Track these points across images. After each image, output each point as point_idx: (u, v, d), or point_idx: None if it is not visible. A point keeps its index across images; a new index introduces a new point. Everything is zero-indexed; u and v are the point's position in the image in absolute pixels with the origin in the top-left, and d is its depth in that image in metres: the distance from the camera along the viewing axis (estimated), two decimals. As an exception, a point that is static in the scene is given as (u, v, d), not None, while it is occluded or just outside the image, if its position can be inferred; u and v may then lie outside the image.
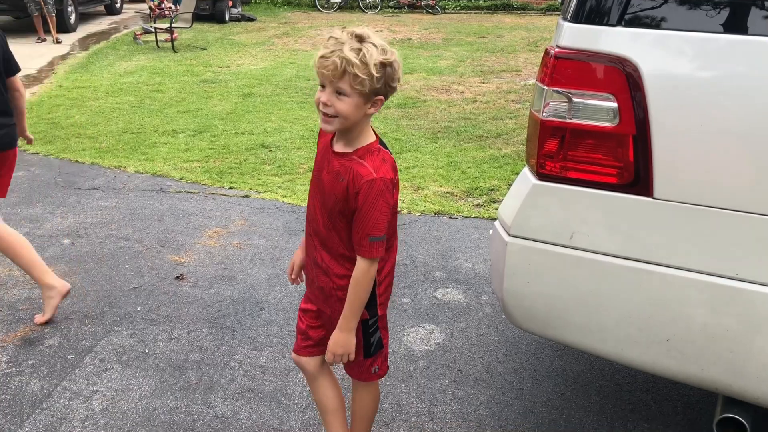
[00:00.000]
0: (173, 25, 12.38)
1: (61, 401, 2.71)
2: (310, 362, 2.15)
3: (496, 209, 4.82)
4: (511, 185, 2.27)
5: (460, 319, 3.41)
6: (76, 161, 5.95)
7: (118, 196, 5.08)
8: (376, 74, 1.69)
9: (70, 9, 13.93)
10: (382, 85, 1.73)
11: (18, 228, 4.42)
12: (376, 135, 1.88)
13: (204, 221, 4.64)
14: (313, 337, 2.12)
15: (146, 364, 2.97)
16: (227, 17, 16.13)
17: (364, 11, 19.04)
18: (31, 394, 2.75)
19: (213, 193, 5.20)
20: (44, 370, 2.91)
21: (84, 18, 15.45)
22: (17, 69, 3.37)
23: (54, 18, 12.76)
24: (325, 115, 1.78)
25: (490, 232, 2.29)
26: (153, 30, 12.62)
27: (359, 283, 1.87)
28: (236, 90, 9.07)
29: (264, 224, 4.60)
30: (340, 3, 19.30)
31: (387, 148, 1.88)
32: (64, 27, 13.38)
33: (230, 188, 5.32)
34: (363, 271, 1.86)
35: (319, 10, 19.13)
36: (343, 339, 1.92)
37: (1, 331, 3.21)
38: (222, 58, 11.55)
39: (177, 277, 3.80)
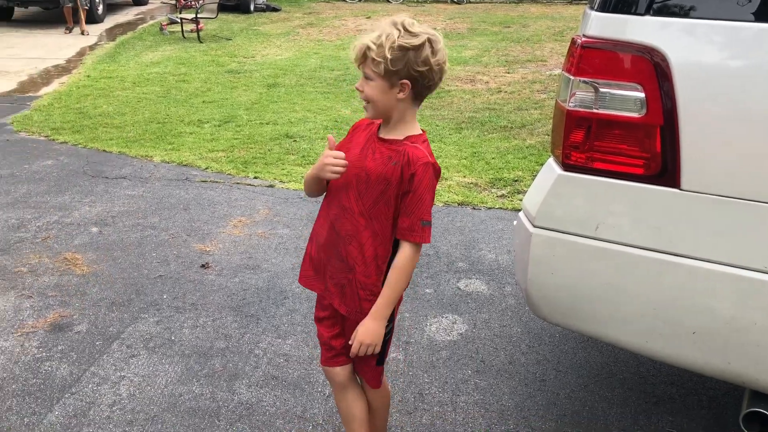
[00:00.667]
0: (199, 15, 12.45)
1: (90, 386, 2.76)
2: (341, 373, 2.08)
3: (520, 200, 4.80)
4: (535, 176, 2.26)
5: (483, 310, 3.41)
6: (104, 150, 6.03)
7: (144, 186, 5.15)
8: (389, 56, 1.69)
9: (98, 0, 14.07)
10: (402, 67, 1.72)
11: (47, 216, 4.50)
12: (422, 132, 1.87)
13: (229, 210, 4.68)
14: (336, 347, 2.05)
15: (172, 351, 3.02)
16: (252, 7, 16.19)
17: (388, 1, 18.97)
18: (61, 378, 2.81)
19: (238, 183, 5.24)
20: (73, 356, 2.97)
21: (111, 8, 15.61)
22: None
23: (86, 9, 12.90)
24: (364, 101, 1.82)
25: (515, 222, 2.28)
26: (179, 20, 12.72)
27: (404, 270, 1.83)
28: (261, 80, 9.12)
29: (288, 214, 4.63)
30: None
31: None
32: (92, 18, 13.53)
33: (255, 178, 5.35)
34: (409, 257, 1.82)
35: (343, 0, 19.11)
36: (374, 327, 1.86)
37: (31, 317, 3.28)
38: (247, 49, 11.60)
39: (202, 266, 3.84)
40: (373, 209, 1.83)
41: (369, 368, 2.07)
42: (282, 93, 8.41)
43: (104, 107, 7.58)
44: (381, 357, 2.03)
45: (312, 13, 16.38)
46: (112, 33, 13.19)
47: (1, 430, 2.49)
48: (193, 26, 12.43)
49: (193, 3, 13.94)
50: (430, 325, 3.27)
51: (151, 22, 14.60)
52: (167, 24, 13.24)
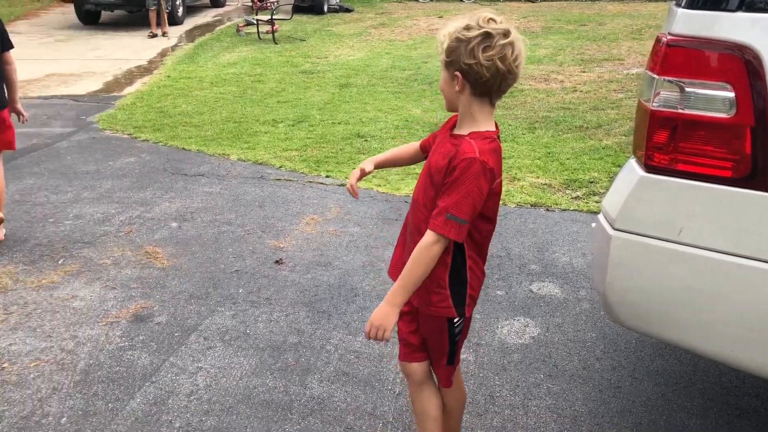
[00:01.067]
0: (274, 17, 12.71)
1: (169, 376, 2.86)
2: (418, 369, 2.09)
3: (596, 202, 4.68)
4: (612, 178, 2.20)
5: (556, 314, 3.35)
6: (183, 149, 6.23)
7: (221, 183, 5.29)
8: (445, 47, 1.73)
9: (178, 2, 14.56)
10: (455, 59, 1.72)
11: (130, 211, 4.69)
12: (497, 128, 1.84)
13: (302, 208, 4.76)
14: (413, 343, 2.07)
15: (247, 344, 3.10)
16: (326, 8, 16.41)
17: (461, 0, 18.86)
18: (142, 367, 2.92)
19: (310, 181, 5.32)
20: (153, 346, 3.09)
21: (191, 11, 16.12)
22: (11, 46, 4.09)
23: (167, 12, 13.36)
24: None
25: (593, 225, 2.23)
26: (255, 22, 13.01)
27: (415, 259, 1.78)
28: (333, 80, 9.23)
29: (359, 212, 4.67)
30: (437, -8, 19.20)
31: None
32: (172, 20, 14.01)
33: (327, 177, 5.42)
34: (426, 244, 1.77)
35: (415, 0, 19.12)
36: (381, 311, 1.82)
37: (115, 307, 3.42)
38: (320, 49, 11.76)
39: (276, 262, 3.92)
40: (433, 202, 1.82)
41: (440, 367, 2.08)
42: (354, 93, 8.49)
43: (183, 107, 7.84)
44: (451, 356, 2.04)
45: (384, 14, 16.46)
46: (191, 34, 13.62)
47: (88, 414, 2.61)
48: (268, 27, 12.70)
49: (268, 5, 14.24)
50: (502, 327, 3.24)
51: (228, 23, 15.00)
52: (244, 26, 13.57)
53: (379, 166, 2.18)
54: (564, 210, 4.65)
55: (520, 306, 3.42)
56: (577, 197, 4.88)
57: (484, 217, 1.85)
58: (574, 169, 5.39)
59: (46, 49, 11.90)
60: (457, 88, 1.76)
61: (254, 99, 8.18)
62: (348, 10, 16.88)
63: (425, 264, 1.79)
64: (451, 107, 1.84)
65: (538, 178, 5.26)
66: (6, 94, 4.11)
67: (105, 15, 15.25)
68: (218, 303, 3.47)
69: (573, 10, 16.31)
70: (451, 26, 1.74)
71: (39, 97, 8.50)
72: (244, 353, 3.03)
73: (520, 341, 3.12)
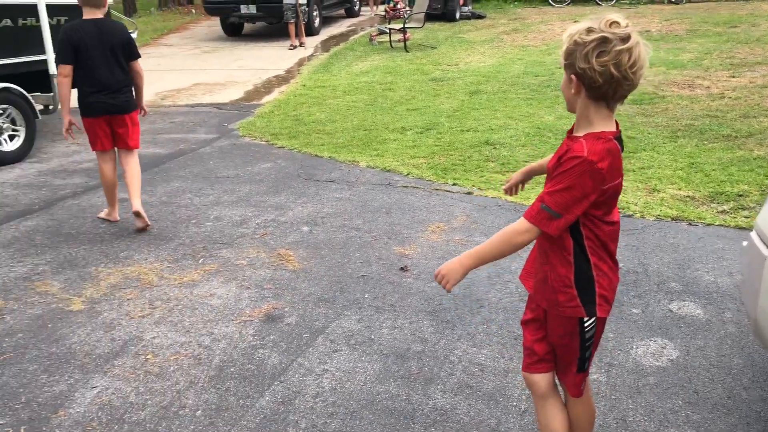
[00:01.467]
0: (406, 25, 12.86)
1: (296, 376, 2.94)
2: (542, 380, 2.05)
3: (745, 217, 4.33)
4: (765, 192, 2.01)
5: (697, 336, 3.12)
6: (316, 155, 6.43)
7: (351, 189, 5.40)
8: (564, 49, 1.74)
9: (315, 14, 15.11)
10: (571, 62, 1.71)
11: (265, 214, 4.90)
12: (617, 129, 1.78)
13: (428, 216, 4.76)
14: (538, 352, 2.04)
15: (371, 350, 3.12)
16: (457, 15, 16.40)
17: (598, 3, 18.22)
18: (272, 366, 3.02)
19: (437, 189, 5.31)
20: (283, 346, 3.19)
21: (326, 21, 16.67)
22: (138, 55, 4.70)
23: (304, 23, 13.89)
24: None
25: (744, 243, 2.05)
26: (387, 31, 13.23)
27: (500, 235, 1.81)
28: (463, 87, 9.19)
29: (486, 222, 4.60)
30: (573, -4, 18.65)
31: (621, 145, 1.78)
32: (309, 31, 14.55)
33: (454, 185, 5.39)
34: (514, 230, 1.79)
35: (550, 4, 18.69)
36: (452, 264, 1.86)
37: (248, 307, 3.57)
38: (451, 56, 11.76)
39: (401, 269, 3.94)
40: None
41: (570, 374, 2.01)
42: (483, 100, 8.40)
43: (317, 114, 8.10)
44: (582, 362, 1.97)
45: (517, 19, 16.20)
46: (326, 44, 14.07)
47: (221, 409, 2.74)
48: (400, 36, 12.86)
49: (401, 14, 14.44)
50: (637, 348, 3.05)
51: (362, 33, 15.36)
52: (377, 35, 13.84)
53: (528, 174, 2.29)
54: (708, 225, 4.34)
55: (657, 326, 3.22)
56: (723, 211, 4.53)
57: (599, 216, 1.80)
58: (721, 181, 5.01)
59: (194, 59, 12.73)
60: (573, 90, 1.75)
61: (384, 107, 8.30)
62: (480, 17, 16.77)
63: (506, 248, 1.81)
64: (571, 108, 1.83)
65: (680, 189, 4.94)
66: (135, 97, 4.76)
67: (247, 27, 16.11)
68: (345, 307, 3.53)
69: (722, 11, 15.25)
70: (574, 28, 1.73)
71: (186, 105, 9.10)
72: (368, 358, 3.06)
73: (656, 363, 2.93)
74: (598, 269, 1.85)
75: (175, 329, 3.36)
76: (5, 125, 6.46)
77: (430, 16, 15.08)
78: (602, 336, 1.99)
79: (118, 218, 4.84)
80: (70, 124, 4.58)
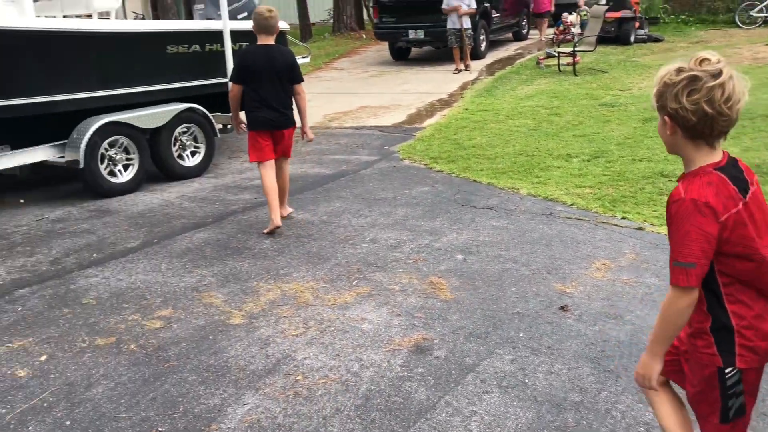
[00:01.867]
0: (576, 48, 12.41)
1: (443, 415, 2.81)
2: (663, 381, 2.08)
3: None
4: None
5: None
6: (474, 180, 6.30)
7: (509, 217, 5.21)
8: (654, 90, 1.78)
9: (482, 38, 15.04)
10: (663, 103, 1.75)
11: (419, 239, 4.84)
12: (724, 157, 1.78)
13: (592, 251, 4.45)
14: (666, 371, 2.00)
15: (524, 395, 2.92)
16: (632, 39, 15.57)
17: (794, 24, 16.53)
18: (418, 402, 2.92)
19: (603, 222, 4.98)
20: (431, 380, 3.07)
21: (493, 45, 16.53)
22: (301, 79, 5.17)
23: (470, 47, 13.86)
24: None
25: None
26: (556, 54, 12.85)
27: (662, 311, 1.80)
28: (636, 114, 8.65)
29: (658, 261, 4.21)
30: (767, 17, 17.06)
31: (736, 171, 1.77)
32: (474, 54, 14.48)
33: (623, 218, 5.03)
34: (668, 299, 1.77)
35: (738, 26, 17.23)
36: (644, 360, 1.88)
37: (398, 335, 3.51)
38: (623, 81, 11.17)
39: (561, 308, 3.69)
40: None
41: (710, 425, 1.91)
42: (659, 128, 7.84)
43: (477, 139, 7.97)
44: (724, 413, 1.85)
45: (699, 42, 15.10)
46: (491, 68, 13.93)
47: (364, 441, 2.67)
48: (569, 60, 12.43)
49: (570, 37, 13.96)
50: (841, 424, 2.60)
51: (528, 56, 15.04)
52: (544, 58, 13.48)
53: None
54: None
55: None
56: None
57: (733, 254, 1.74)
58: None
59: (362, 83, 13.13)
60: (668, 132, 1.78)
61: (549, 132, 8.01)
62: (657, 40, 15.82)
63: (673, 320, 1.78)
64: (671, 150, 1.85)
65: None
66: (296, 117, 5.26)
67: (414, 51, 16.38)
68: (497, 345, 3.35)
69: None
70: (664, 69, 1.77)
71: (352, 127, 9.35)
72: (521, 404, 2.86)
73: None
74: (737, 316, 1.78)
75: (325, 351, 3.37)
76: (188, 142, 6.99)
77: (603, 39, 14.43)
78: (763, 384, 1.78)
79: (280, 223, 5.11)
80: (239, 122, 5.32)
